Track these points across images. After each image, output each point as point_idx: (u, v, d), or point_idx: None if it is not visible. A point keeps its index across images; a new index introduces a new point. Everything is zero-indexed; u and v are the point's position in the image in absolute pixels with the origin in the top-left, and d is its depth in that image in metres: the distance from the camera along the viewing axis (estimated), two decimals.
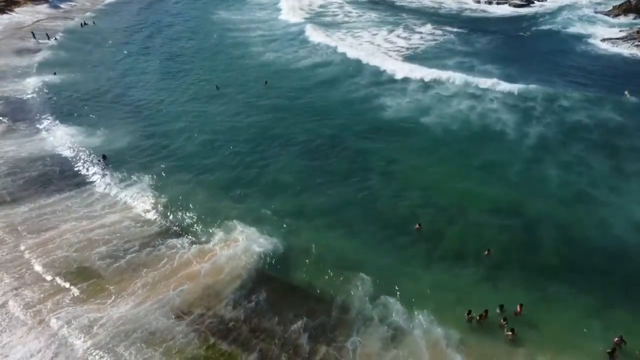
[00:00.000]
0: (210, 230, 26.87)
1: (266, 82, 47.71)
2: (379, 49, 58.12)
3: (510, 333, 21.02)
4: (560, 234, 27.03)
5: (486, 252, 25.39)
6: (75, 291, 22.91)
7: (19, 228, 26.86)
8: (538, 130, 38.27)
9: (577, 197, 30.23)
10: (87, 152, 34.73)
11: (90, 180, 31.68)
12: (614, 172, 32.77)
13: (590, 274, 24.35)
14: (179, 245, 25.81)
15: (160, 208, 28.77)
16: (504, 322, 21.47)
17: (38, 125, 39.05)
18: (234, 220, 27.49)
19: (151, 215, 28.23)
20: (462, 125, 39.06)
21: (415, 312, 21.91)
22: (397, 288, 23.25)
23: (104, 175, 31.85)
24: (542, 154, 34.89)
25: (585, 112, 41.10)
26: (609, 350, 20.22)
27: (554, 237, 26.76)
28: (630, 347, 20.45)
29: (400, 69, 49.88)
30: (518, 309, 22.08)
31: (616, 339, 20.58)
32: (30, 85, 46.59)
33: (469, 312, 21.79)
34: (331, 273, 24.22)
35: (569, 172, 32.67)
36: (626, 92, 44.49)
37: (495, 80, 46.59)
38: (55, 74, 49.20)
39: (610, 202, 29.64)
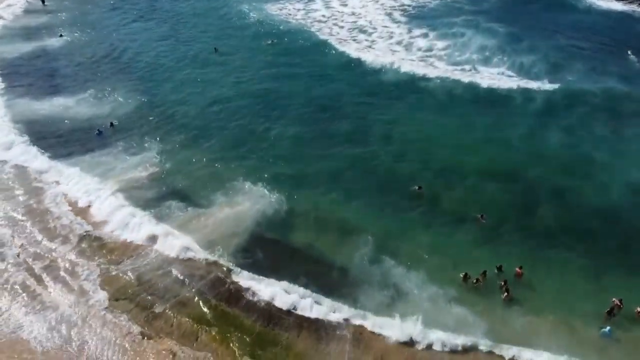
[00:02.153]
0: (211, 195, 27.03)
1: (272, 41, 46.59)
2: (382, 7, 56.33)
3: (505, 294, 21.55)
4: (560, 197, 27.27)
5: (480, 216, 25.58)
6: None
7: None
8: (539, 94, 37.68)
9: (577, 161, 30.29)
10: (94, 119, 34.30)
11: (97, 147, 31.54)
12: (615, 136, 32.66)
13: (588, 237, 24.72)
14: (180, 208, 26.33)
15: (162, 174, 28.88)
16: (504, 284, 21.85)
17: (43, 90, 38.38)
18: (235, 184, 27.68)
19: (153, 181, 28.41)
20: (464, 89, 38.42)
21: (414, 274, 22.38)
22: (396, 250, 23.69)
23: (110, 143, 31.73)
24: (544, 119, 34.59)
25: (588, 74, 40.42)
26: (607, 310, 20.82)
27: (553, 201, 27.02)
28: (629, 308, 21.04)
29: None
30: (518, 271, 22.54)
31: (614, 300, 21.06)
32: (36, 48, 45.48)
33: (465, 275, 22.28)
34: (331, 236, 24.61)
35: (570, 136, 32.54)
36: (628, 52, 43.26)
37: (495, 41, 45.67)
38: (61, 35, 48.06)
39: (609, 165, 29.73)
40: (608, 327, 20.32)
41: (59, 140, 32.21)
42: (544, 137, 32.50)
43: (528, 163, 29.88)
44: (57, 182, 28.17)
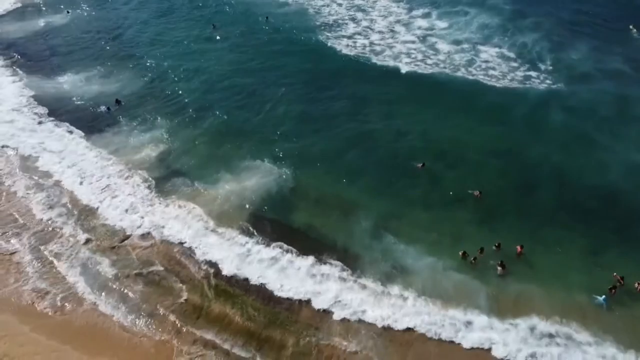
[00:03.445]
0: (218, 171, 27.59)
1: (267, 18, 46.14)
2: None
3: (500, 268, 22.01)
4: (560, 177, 27.45)
5: (477, 193, 25.85)
6: None
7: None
8: (541, 75, 37.33)
9: (578, 141, 30.25)
10: (100, 97, 34.57)
11: (107, 125, 31.98)
12: (617, 117, 32.42)
13: (587, 216, 24.94)
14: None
15: (170, 152, 29.47)
16: (502, 263, 22.21)
17: (51, 68, 38.66)
18: (240, 161, 28.22)
19: (157, 161, 28.90)
20: (464, 69, 37.98)
21: (413, 249, 22.94)
22: (396, 227, 24.20)
23: (118, 121, 32.09)
24: (544, 99, 34.38)
25: (591, 53, 39.94)
26: (610, 287, 21.19)
27: (553, 180, 27.20)
28: (629, 284, 21.53)
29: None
30: (518, 249, 22.89)
31: (616, 275, 21.50)
32: (44, 25, 45.44)
33: (464, 253, 22.66)
34: (333, 212, 25.09)
35: (571, 116, 32.34)
36: (631, 27, 42.38)
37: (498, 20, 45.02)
38: (68, 12, 47.94)
39: (610, 146, 29.69)
40: (603, 296, 20.86)
41: (70, 117, 32.72)
42: (544, 118, 32.41)
43: (529, 143, 29.91)
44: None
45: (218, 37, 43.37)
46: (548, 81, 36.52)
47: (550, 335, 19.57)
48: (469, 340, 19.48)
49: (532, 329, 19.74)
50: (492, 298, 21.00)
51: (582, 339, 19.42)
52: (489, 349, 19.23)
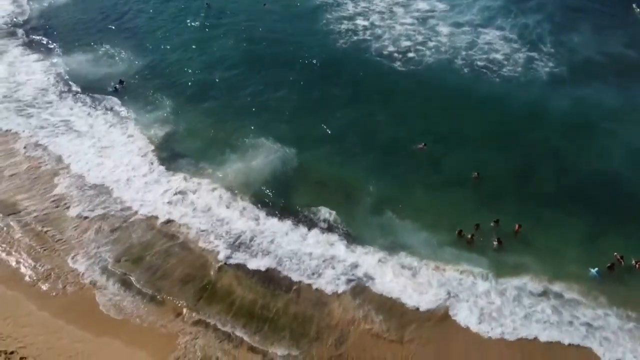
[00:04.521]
0: (216, 153, 27.92)
1: (264, 4, 45.48)
2: None
3: (497, 243, 22.66)
4: (560, 161, 27.65)
5: (475, 175, 26.15)
6: None
7: None
8: (542, 57, 37.03)
9: (579, 125, 30.27)
10: (102, 77, 34.57)
11: (114, 104, 32.06)
12: (620, 101, 32.26)
13: (587, 200, 25.22)
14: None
15: (171, 134, 29.65)
16: (499, 239, 22.82)
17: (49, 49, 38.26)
18: (245, 141, 28.61)
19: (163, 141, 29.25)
20: (465, 52, 37.59)
21: (411, 228, 23.57)
22: (395, 206, 24.67)
23: (125, 101, 32.26)
24: (546, 83, 34.29)
25: (594, 35, 39.51)
26: (609, 265, 21.78)
27: (553, 164, 27.45)
28: (627, 262, 22.19)
29: None
30: (516, 227, 23.36)
31: (616, 254, 22.09)
32: (48, 4, 44.77)
33: (460, 231, 23.17)
34: (334, 192, 25.50)
35: (572, 100, 32.26)
36: (634, 6, 41.72)
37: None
38: None
39: (612, 131, 29.68)
40: (596, 268, 21.52)
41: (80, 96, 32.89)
42: (545, 102, 32.38)
43: (529, 127, 30.02)
44: None
45: (213, 16, 42.70)
46: (550, 64, 36.34)
47: (541, 294, 20.80)
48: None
49: (522, 288, 21.02)
50: (488, 267, 21.91)
51: (572, 297, 20.66)
52: None
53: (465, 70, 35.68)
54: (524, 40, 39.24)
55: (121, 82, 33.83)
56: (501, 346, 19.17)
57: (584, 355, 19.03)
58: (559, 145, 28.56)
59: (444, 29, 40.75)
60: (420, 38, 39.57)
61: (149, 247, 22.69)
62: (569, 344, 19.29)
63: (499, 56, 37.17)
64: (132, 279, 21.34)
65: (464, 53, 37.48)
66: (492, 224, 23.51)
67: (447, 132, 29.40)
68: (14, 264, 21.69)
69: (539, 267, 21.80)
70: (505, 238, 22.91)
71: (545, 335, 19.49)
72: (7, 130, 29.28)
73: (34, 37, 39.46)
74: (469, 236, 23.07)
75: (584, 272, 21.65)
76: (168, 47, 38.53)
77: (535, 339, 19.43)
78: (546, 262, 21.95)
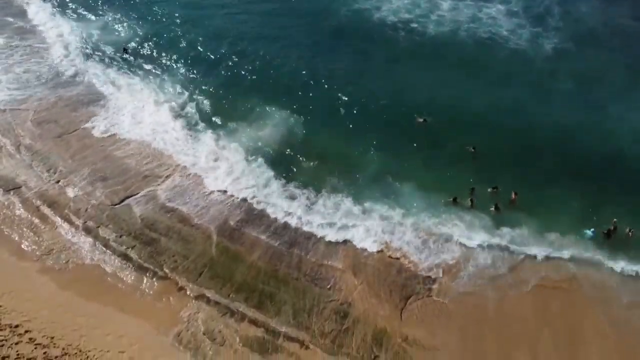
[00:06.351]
0: (226, 122, 28.20)
1: None
2: None
3: (494, 209, 23.05)
4: (562, 136, 27.37)
5: (471, 149, 26.13)
6: None
7: None
8: (548, 32, 36.32)
9: (582, 101, 29.92)
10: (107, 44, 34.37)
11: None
12: (625, 78, 31.72)
13: (587, 175, 25.11)
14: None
15: (188, 101, 29.88)
16: (497, 205, 23.21)
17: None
18: (252, 113, 28.77)
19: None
20: (468, 27, 36.87)
21: (410, 198, 23.98)
22: (396, 175, 25.03)
23: (134, 70, 32.11)
24: (551, 59, 33.70)
25: (601, 7, 38.71)
26: (605, 231, 22.12)
27: (555, 139, 27.21)
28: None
29: None
30: (513, 196, 23.61)
31: (615, 221, 22.39)
32: None
33: (454, 199, 23.60)
34: (335, 166, 25.59)
35: (576, 79, 31.71)
36: None
37: None
38: None
39: (616, 108, 29.25)
40: (592, 229, 22.00)
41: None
42: (549, 77, 31.96)
43: (532, 102, 29.67)
44: None
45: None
46: (555, 39, 35.70)
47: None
48: None
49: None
50: (483, 226, 22.73)
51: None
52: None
53: (468, 44, 35.19)
54: (529, 13, 38.51)
55: (125, 50, 33.51)
56: None
57: None
58: (562, 121, 28.25)
59: (445, 4, 39.83)
60: (419, 11, 38.74)
61: (151, 222, 22.71)
62: None
63: (503, 30, 36.54)
64: (134, 253, 21.43)
65: (466, 26, 36.88)
66: (489, 190, 23.93)
67: (449, 105, 29.01)
68: (16, 238, 21.73)
69: (535, 230, 22.42)
70: (502, 207, 23.34)
71: None
72: None
73: None
74: (469, 200, 23.55)
75: (581, 235, 22.29)
76: (173, 15, 37.88)
77: None
78: (542, 229, 22.47)
